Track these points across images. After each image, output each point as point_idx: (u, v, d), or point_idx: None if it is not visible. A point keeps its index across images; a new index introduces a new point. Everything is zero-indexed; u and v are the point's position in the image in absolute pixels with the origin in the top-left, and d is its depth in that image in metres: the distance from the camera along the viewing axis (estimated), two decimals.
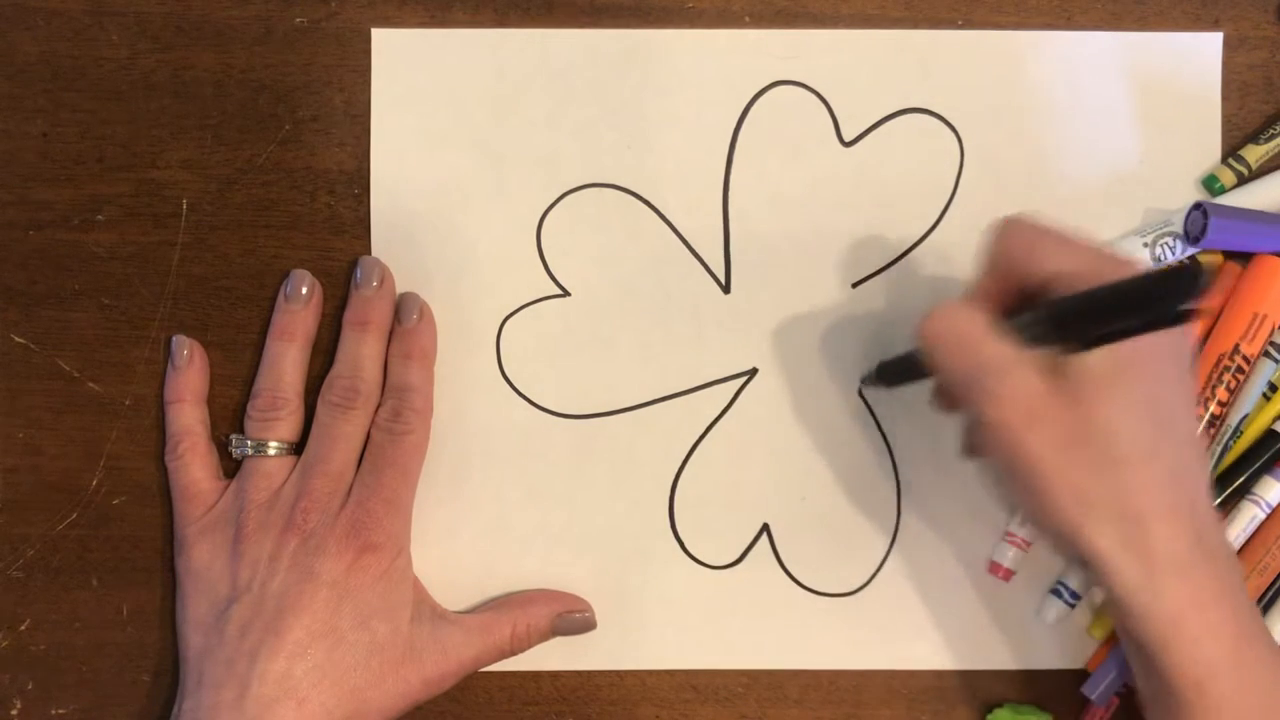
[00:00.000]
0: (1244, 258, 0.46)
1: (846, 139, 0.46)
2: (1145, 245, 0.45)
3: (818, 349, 0.46)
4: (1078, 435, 0.36)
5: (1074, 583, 0.45)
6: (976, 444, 0.41)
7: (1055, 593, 0.45)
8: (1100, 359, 0.36)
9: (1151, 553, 0.36)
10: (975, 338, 0.38)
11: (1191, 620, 0.36)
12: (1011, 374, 0.37)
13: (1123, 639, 0.39)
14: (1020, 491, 0.38)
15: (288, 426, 0.44)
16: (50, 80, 0.46)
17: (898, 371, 0.44)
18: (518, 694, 0.46)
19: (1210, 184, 0.45)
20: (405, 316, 0.45)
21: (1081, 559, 0.37)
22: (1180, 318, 0.34)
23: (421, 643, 0.43)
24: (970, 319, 0.38)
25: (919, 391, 0.46)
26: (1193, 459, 0.38)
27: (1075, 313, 0.36)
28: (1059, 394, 0.37)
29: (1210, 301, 0.45)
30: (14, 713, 0.46)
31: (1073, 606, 0.45)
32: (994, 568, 0.45)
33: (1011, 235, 0.39)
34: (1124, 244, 0.45)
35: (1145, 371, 0.37)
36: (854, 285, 0.46)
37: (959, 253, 0.46)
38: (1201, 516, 0.37)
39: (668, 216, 0.46)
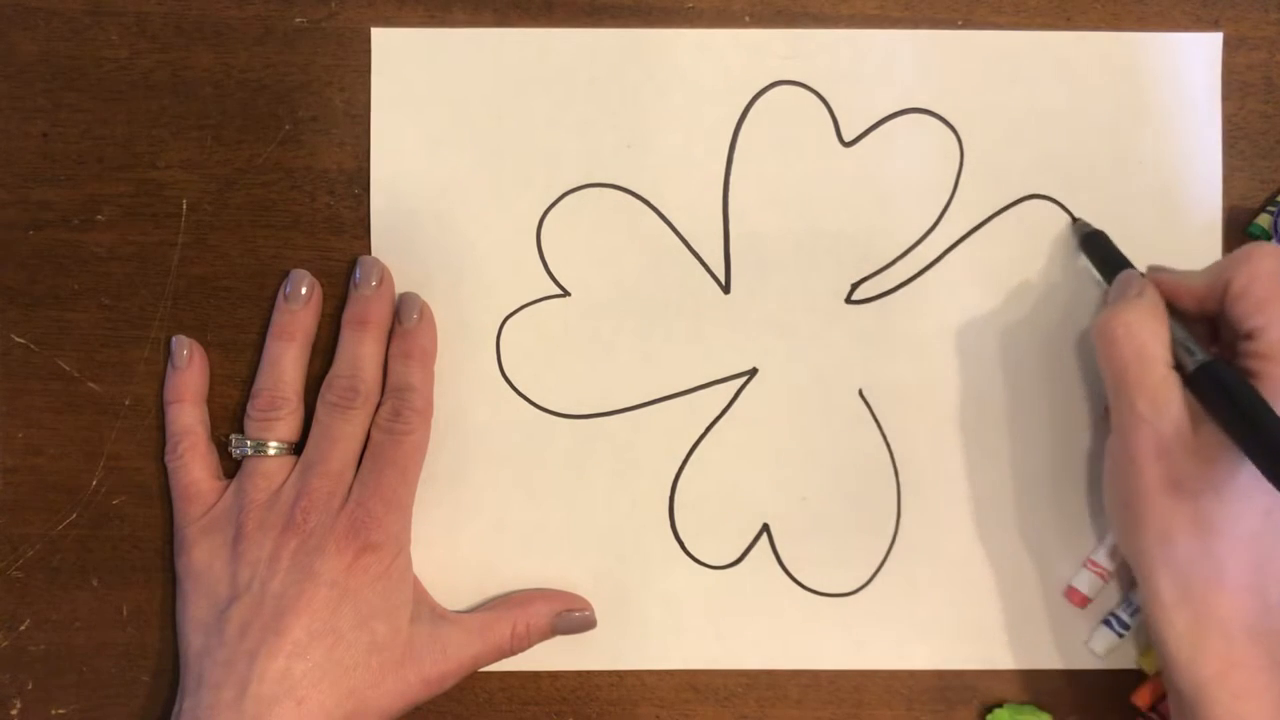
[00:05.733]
0: None
1: (846, 139, 0.46)
2: None
3: (818, 349, 0.46)
4: (1190, 489, 0.38)
5: (1124, 613, 0.45)
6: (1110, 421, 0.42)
7: (1106, 623, 0.45)
8: None
9: (1208, 613, 0.38)
10: (1152, 360, 0.40)
11: (1235, 679, 0.38)
12: (1166, 408, 0.39)
13: (1167, 689, 0.40)
14: (1118, 503, 0.41)
15: (287, 426, 0.44)
16: (50, 80, 0.46)
17: (1097, 256, 0.45)
18: (518, 694, 0.46)
19: (1254, 231, 0.46)
20: (405, 316, 0.45)
21: (1142, 592, 0.40)
22: None
23: (421, 643, 0.43)
24: (1154, 336, 0.40)
25: (919, 391, 0.46)
26: None
27: (1245, 408, 0.38)
28: (1192, 442, 0.39)
29: None
30: (14, 713, 0.46)
31: (1122, 636, 0.45)
32: (1071, 593, 0.45)
33: (1260, 274, 0.39)
34: None
35: None
36: (854, 285, 0.46)
37: (959, 252, 0.46)
38: (1274, 608, 0.38)
39: (668, 216, 0.46)
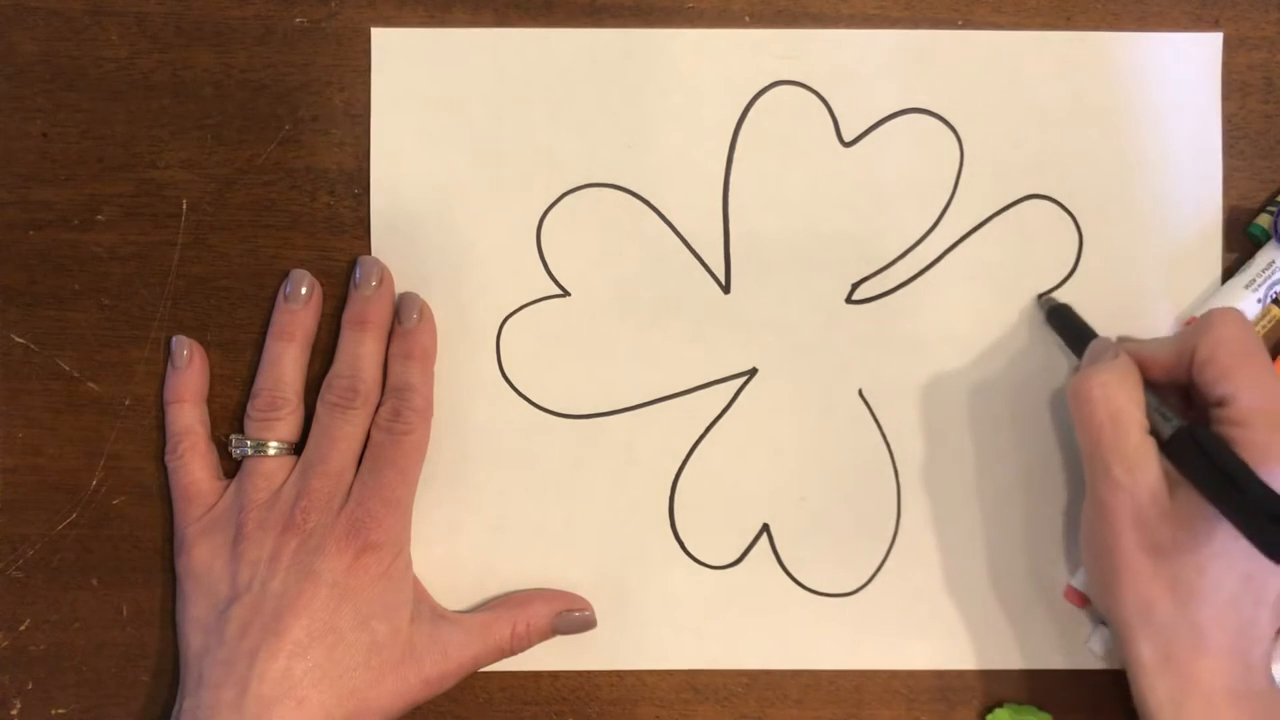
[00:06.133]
0: None
1: (846, 139, 0.46)
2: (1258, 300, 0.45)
3: (818, 349, 0.46)
4: (1167, 555, 0.38)
5: None
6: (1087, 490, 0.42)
7: (1106, 623, 0.45)
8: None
9: (1190, 678, 0.38)
10: (1128, 424, 0.39)
11: None
12: (1142, 473, 0.39)
13: None
14: (1095, 567, 0.41)
15: (287, 426, 0.44)
16: (50, 80, 0.46)
17: (1065, 328, 0.45)
18: (518, 694, 0.46)
19: (1254, 231, 0.46)
20: (405, 316, 0.45)
21: (1124, 657, 0.39)
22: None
23: (421, 643, 0.43)
24: (1131, 400, 0.40)
25: (919, 391, 0.46)
26: (1267, 625, 0.39)
27: (1227, 471, 0.37)
28: (1169, 508, 0.39)
29: None
30: (14, 713, 0.46)
31: None
32: (1070, 593, 0.45)
33: (1222, 341, 0.39)
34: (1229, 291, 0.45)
35: None
36: (854, 285, 0.46)
37: (959, 252, 0.46)
38: (1255, 669, 0.39)
39: (668, 216, 0.46)
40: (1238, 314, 0.40)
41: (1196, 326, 0.40)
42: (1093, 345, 0.43)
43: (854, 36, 0.46)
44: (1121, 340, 0.43)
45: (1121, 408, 0.40)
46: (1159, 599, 0.39)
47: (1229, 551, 0.38)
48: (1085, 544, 0.42)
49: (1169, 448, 0.39)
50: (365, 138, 0.46)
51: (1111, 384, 0.40)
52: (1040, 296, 0.46)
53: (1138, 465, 0.39)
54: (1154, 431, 0.40)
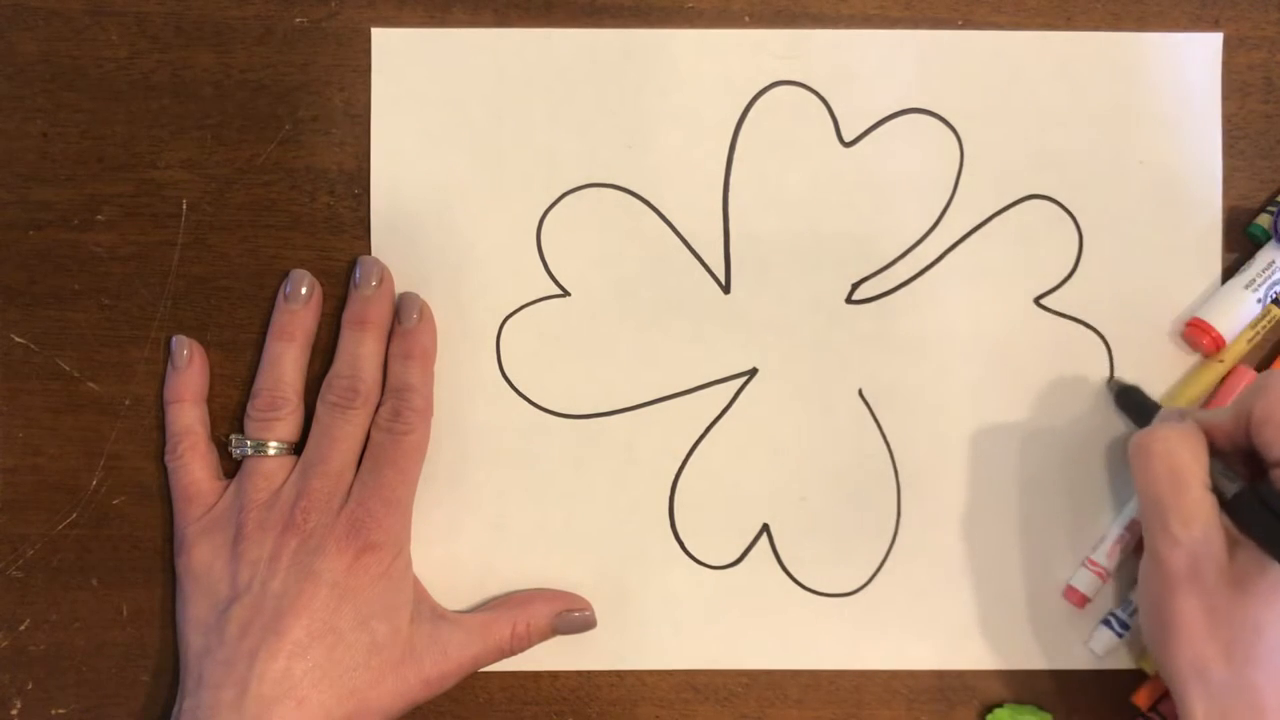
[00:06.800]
0: None
1: (846, 139, 0.46)
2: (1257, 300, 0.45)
3: (818, 349, 0.46)
4: (1224, 617, 0.38)
5: (1124, 613, 0.45)
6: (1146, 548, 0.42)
7: (1106, 623, 0.45)
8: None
9: None
10: (1188, 480, 0.39)
11: None
12: (1201, 530, 0.39)
13: None
14: (1152, 624, 0.41)
15: (287, 426, 0.44)
16: (50, 80, 0.46)
17: (1131, 405, 0.45)
18: (518, 694, 0.46)
19: (1254, 231, 0.46)
20: (405, 316, 0.45)
21: (1180, 713, 0.39)
22: None
23: (421, 643, 0.43)
24: (1193, 458, 0.40)
25: (919, 391, 0.46)
26: None
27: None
28: (1228, 569, 0.38)
29: None
30: (14, 713, 0.46)
31: (1122, 636, 0.45)
32: (1070, 593, 0.45)
33: (1278, 400, 0.39)
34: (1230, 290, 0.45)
35: None
36: (854, 285, 0.46)
37: (959, 252, 0.46)
38: None
39: (668, 216, 0.46)
40: None
41: (1251, 389, 0.40)
42: (1160, 414, 0.43)
43: (854, 36, 0.46)
44: (1185, 413, 0.43)
45: (1183, 464, 0.39)
46: (1214, 660, 0.38)
47: None
48: (1140, 598, 0.42)
49: (1232, 506, 0.39)
50: (365, 138, 0.46)
51: (1174, 439, 0.40)
52: (1110, 379, 0.46)
53: (1196, 520, 0.39)
54: (1218, 491, 0.40)
